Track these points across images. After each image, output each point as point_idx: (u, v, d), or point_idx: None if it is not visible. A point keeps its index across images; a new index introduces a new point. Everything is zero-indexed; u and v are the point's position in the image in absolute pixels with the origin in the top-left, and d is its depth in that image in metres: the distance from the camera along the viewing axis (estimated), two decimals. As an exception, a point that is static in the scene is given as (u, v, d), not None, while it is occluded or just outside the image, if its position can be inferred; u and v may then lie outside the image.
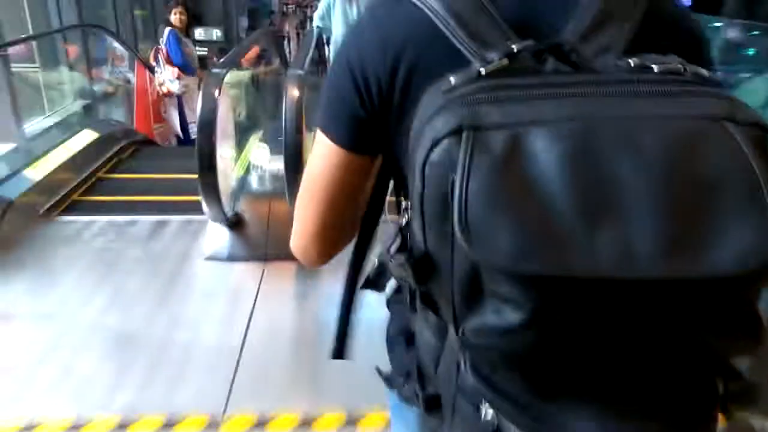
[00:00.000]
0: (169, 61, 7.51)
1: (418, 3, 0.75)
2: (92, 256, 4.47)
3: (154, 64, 7.89)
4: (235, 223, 4.63)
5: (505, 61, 0.65)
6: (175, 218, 4.94)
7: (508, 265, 0.56)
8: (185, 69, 7.91)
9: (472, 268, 0.59)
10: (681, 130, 0.58)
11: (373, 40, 0.80)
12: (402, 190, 0.90)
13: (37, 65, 7.80)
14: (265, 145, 5.54)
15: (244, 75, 6.82)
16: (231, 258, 4.47)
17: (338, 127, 0.86)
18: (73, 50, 8.71)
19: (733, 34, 7.30)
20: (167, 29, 7.48)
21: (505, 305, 0.58)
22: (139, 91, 8.33)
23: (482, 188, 0.56)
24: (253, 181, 5.15)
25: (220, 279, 4.37)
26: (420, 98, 0.69)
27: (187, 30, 7.74)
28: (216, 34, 16.88)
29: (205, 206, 4.24)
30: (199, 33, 17.55)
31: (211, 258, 4.50)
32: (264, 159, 5.22)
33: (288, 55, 32.11)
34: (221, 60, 6.08)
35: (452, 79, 0.65)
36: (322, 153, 0.87)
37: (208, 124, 3.93)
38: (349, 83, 0.82)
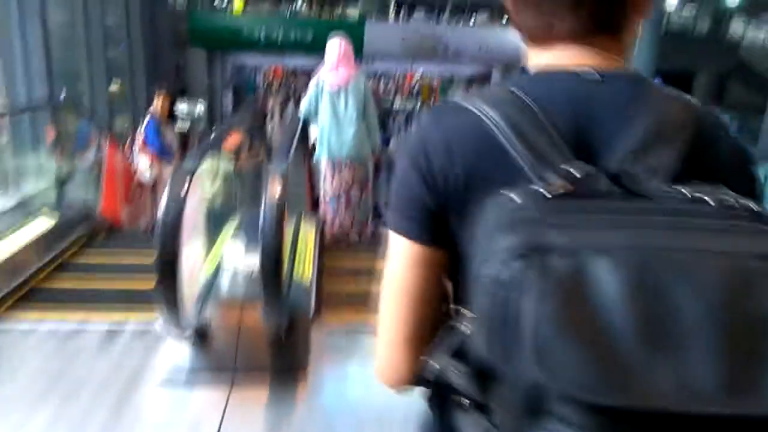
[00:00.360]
0: (145, 149, 7.09)
1: (479, 112, 0.81)
2: (22, 378, 3.74)
3: (130, 151, 7.45)
4: (199, 337, 3.96)
5: (570, 187, 0.68)
6: (128, 328, 4.24)
7: (573, 391, 0.59)
8: (162, 155, 7.49)
9: (535, 386, 0.62)
10: (737, 268, 0.59)
11: (438, 141, 0.85)
12: (458, 292, 0.89)
13: (-1, 142, 7.28)
14: (240, 242, 4.96)
15: (222, 162, 6.37)
16: (191, 382, 3.77)
17: (410, 223, 0.87)
18: (44, 126, 8.26)
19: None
20: (148, 117, 7.10)
21: (566, 427, 0.61)
22: (109, 171, 7.84)
23: (551, 313, 0.59)
24: (224, 284, 4.53)
25: (177, 409, 3.65)
26: (477, 201, 0.76)
27: (169, 113, 7.36)
28: (199, 108, 16.72)
29: (162, 321, 3.59)
30: (182, 107, 17.43)
31: (167, 383, 3.79)
32: (237, 258, 4.63)
33: (270, 131, 32.29)
34: (196, 148, 5.62)
35: (517, 198, 0.69)
36: (398, 254, 0.88)
37: (170, 228, 3.34)
38: (416, 178, 0.86)
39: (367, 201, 5.78)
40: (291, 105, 41.65)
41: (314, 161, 5.62)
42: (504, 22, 26.03)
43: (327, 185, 5.49)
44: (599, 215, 0.65)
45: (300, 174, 6.02)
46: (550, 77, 0.87)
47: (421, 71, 41.31)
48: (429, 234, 0.88)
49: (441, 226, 0.87)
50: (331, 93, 5.21)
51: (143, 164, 7.05)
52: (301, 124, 5.23)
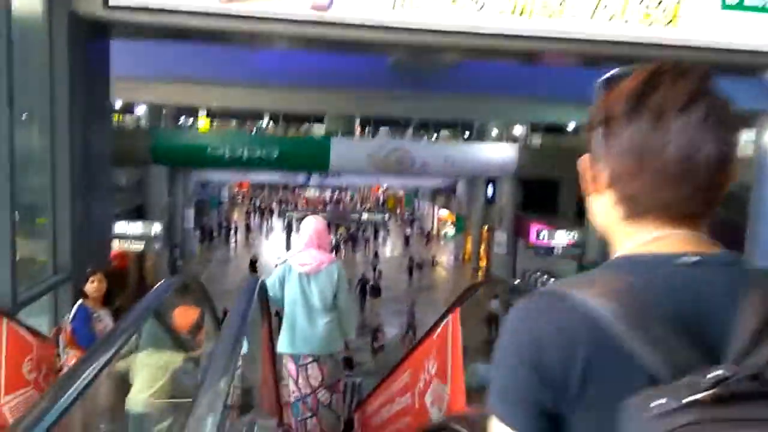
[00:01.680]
0: (73, 342, 5.15)
1: (588, 304, 0.77)
2: None
3: (55, 342, 5.58)
4: None
5: (706, 396, 0.66)
6: None
7: None
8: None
9: None
10: None
11: (552, 336, 0.80)
12: None
13: None
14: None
15: (167, 351, 4.82)
16: None
17: (521, 417, 0.83)
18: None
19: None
20: (77, 303, 5.23)
21: None
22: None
23: None
24: None
25: None
26: (596, 398, 0.76)
27: (105, 299, 5.59)
28: (155, 229, 15.74)
29: None
30: (135, 227, 16.45)
31: None
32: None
33: (234, 245, 30.93)
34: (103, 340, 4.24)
35: (653, 406, 0.67)
36: None
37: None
38: (530, 377, 0.81)
39: (338, 402, 4.69)
40: (256, 217, 41.10)
41: (277, 352, 4.54)
42: (465, 137, 26.82)
43: (291, 384, 4.43)
44: (738, 425, 0.64)
45: (257, 350, 4.79)
46: (653, 262, 0.82)
47: (385, 185, 41.99)
48: (539, 430, 0.82)
49: (552, 423, 0.82)
50: (301, 276, 4.33)
51: (72, 361, 5.01)
52: (257, 286, 4.03)
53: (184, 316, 5.22)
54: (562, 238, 16.97)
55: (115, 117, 22.94)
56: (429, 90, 12.74)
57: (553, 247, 16.98)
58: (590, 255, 16.70)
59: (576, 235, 16.91)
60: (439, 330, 3.76)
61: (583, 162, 0.90)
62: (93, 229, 5.09)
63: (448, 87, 12.39)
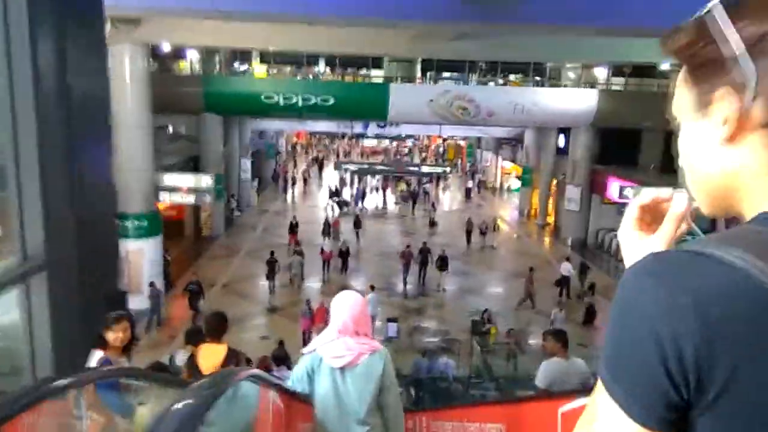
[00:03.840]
0: (97, 405, 3.91)
1: (747, 267, 0.63)
2: None
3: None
4: None
5: None
6: None
7: None
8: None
9: None
10: None
11: (691, 314, 0.64)
12: None
13: None
14: None
15: None
16: None
17: (642, 406, 0.70)
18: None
19: None
20: (97, 353, 4.01)
21: None
22: None
23: None
24: None
25: None
26: (747, 386, 0.63)
27: (127, 347, 4.36)
28: (206, 182, 14.91)
29: None
30: (186, 180, 15.71)
31: None
32: None
33: (292, 195, 30.20)
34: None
35: None
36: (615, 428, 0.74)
37: None
38: (659, 365, 0.67)
39: None
40: (314, 167, 40.38)
41: None
42: (537, 82, 24.49)
43: None
44: None
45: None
46: None
47: (446, 134, 39.96)
48: (662, 423, 0.70)
49: (678, 413, 0.69)
50: (334, 371, 3.07)
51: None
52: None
53: (210, 356, 4.26)
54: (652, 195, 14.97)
55: (166, 63, 22.20)
56: (499, 21, 10.83)
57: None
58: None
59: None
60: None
61: (717, 98, 0.71)
62: (85, 200, 3.87)
63: (521, 17, 10.49)
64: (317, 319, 13.25)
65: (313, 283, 17.07)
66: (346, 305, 3.22)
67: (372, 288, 14.27)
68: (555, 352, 4.95)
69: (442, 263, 16.41)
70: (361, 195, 29.66)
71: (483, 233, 21.87)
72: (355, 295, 3.45)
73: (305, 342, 12.07)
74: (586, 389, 3.82)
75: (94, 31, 4.28)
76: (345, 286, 16.94)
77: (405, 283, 16.48)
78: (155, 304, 13.48)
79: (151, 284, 13.82)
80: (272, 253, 16.82)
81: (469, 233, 21.67)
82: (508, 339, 11.96)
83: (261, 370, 6.03)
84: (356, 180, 32.01)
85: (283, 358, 7.09)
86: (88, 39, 4.24)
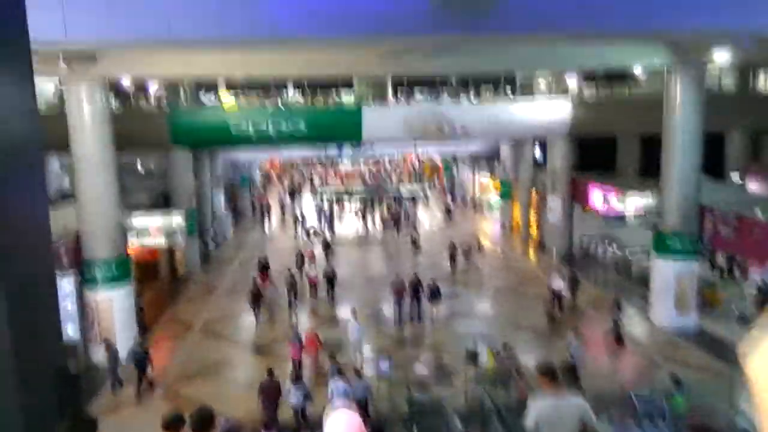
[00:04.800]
0: None
1: None
2: None
3: None
4: None
5: None
6: None
7: None
8: None
9: None
10: None
11: None
12: None
13: None
14: None
15: None
16: None
17: None
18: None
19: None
20: None
21: None
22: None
23: None
24: None
25: None
26: None
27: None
28: (176, 221, 13.93)
29: None
30: (154, 220, 14.71)
31: None
32: None
33: (266, 226, 29.33)
34: None
35: None
36: None
37: None
38: None
39: None
40: (288, 196, 39.61)
41: None
42: (511, 95, 24.32)
43: None
44: None
45: None
46: None
47: (420, 152, 39.67)
48: None
49: None
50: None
51: None
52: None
53: None
54: (635, 202, 14.60)
55: (129, 98, 21.43)
56: (471, 31, 10.36)
57: (624, 215, 14.61)
58: (669, 221, 14.38)
59: (651, 199, 14.52)
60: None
61: None
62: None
63: (493, 26, 10.06)
64: (308, 345, 12.55)
65: (300, 312, 16.30)
66: (340, 428, 2.74)
67: (354, 314, 13.55)
68: (545, 388, 4.33)
69: (434, 294, 15.46)
70: (329, 220, 29.38)
71: (467, 255, 21.12)
72: (350, 415, 2.96)
73: (297, 371, 11.27)
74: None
75: (16, 65, 3.66)
76: (333, 316, 16.28)
77: (398, 317, 15.21)
78: (113, 364, 12.01)
79: (106, 341, 12.32)
80: (254, 280, 16.56)
81: (453, 257, 20.73)
82: (506, 360, 11.19)
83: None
84: (328, 205, 31.43)
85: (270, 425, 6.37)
86: (11, 72, 3.61)
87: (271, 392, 10.16)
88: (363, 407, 10.03)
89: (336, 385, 9.99)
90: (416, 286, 15.23)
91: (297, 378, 10.54)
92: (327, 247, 22.84)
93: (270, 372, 10.38)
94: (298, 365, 12.10)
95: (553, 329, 14.92)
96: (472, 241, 22.67)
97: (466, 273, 19.87)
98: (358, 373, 10.68)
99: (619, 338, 12.91)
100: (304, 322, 15.62)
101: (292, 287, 16.64)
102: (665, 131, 14.48)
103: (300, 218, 29.02)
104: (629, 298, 17.05)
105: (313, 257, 20.14)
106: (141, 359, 11.81)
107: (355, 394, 9.84)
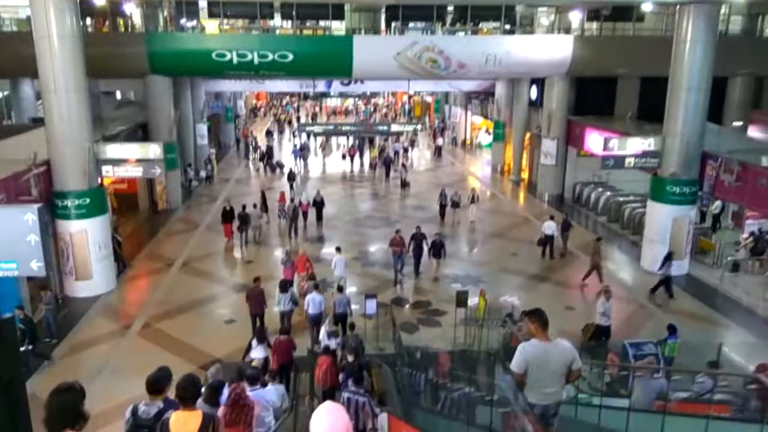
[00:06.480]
0: None
1: None
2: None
3: None
4: None
5: None
6: None
7: None
8: None
9: None
10: None
11: None
12: None
13: None
14: None
15: None
16: None
17: None
18: None
19: None
20: None
21: None
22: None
23: None
24: None
25: None
26: None
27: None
28: (153, 152, 13.11)
29: None
30: (134, 150, 13.83)
31: None
32: None
33: (254, 164, 28.48)
34: None
35: None
36: None
37: None
38: None
39: None
40: (276, 132, 38.44)
41: None
42: (510, 29, 23.06)
43: None
44: None
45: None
46: None
47: (413, 90, 38.35)
48: None
49: None
50: None
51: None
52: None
53: (183, 425, 3.50)
54: (635, 146, 14.03)
55: (105, 22, 19.98)
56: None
57: (624, 158, 14.03)
58: (668, 166, 13.88)
59: (653, 143, 13.94)
60: None
61: None
62: None
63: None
64: (299, 267, 12.88)
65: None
66: (325, 425, 2.42)
67: (338, 250, 13.52)
68: (533, 334, 4.37)
69: (437, 250, 14.24)
70: (300, 152, 28.94)
71: (456, 205, 19.23)
72: (336, 410, 2.80)
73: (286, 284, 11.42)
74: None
75: None
76: (318, 256, 15.83)
77: (397, 275, 13.92)
78: (53, 314, 11.10)
79: (45, 289, 11.29)
80: (244, 207, 16.90)
81: (443, 207, 19.22)
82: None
83: (236, 394, 4.96)
84: (307, 141, 30.94)
85: (256, 377, 6.03)
86: None
87: (257, 296, 11.15)
88: (342, 322, 10.78)
89: (312, 296, 10.85)
90: (420, 242, 14.14)
91: (284, 288, 11.18)
92: (291, 179, 23.28)
93: (256, 279, 11.51)
94: (290, 283, 12.15)
95: (543, 273, 14.68)
96: (465, 192, 20.62)
97: (455, 215, 19.35)
98: (341, 288, 11.34)
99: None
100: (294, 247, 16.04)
101: (294, 219, 17.46)
102: (673, 71, 13.74)
103: (263, 151, 29.22)
104: (620, 244, 16.84)
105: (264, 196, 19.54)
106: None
107: (336, 308, 10.88)
